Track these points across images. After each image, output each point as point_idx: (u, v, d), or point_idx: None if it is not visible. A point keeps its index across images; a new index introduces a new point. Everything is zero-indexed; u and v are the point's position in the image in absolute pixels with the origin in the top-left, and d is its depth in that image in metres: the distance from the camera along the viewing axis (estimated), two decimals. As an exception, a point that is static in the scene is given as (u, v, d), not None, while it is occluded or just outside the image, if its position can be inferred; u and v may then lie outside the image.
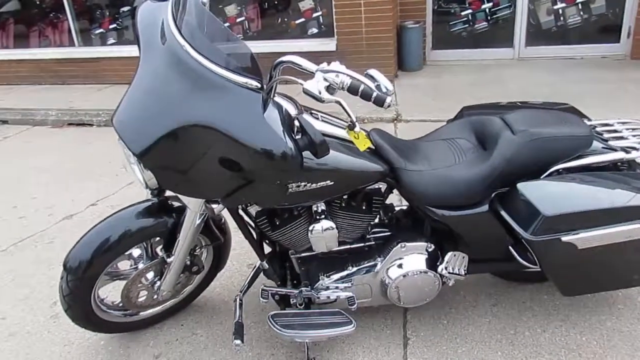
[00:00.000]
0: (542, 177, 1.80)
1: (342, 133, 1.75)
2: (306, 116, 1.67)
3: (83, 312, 1.89)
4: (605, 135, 1.95)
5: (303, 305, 1.99)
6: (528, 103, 2.26)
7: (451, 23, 6.19)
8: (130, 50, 6.41)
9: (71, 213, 3.27)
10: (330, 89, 1.44)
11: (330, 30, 5.79)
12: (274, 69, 1.58)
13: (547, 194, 1.69)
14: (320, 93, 1.44)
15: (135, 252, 1.99)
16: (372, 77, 1.49)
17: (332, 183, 1.68)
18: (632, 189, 1.68)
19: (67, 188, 3.68)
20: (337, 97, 1.43)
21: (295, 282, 2.03)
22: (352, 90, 1.42)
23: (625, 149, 1.87)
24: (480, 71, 5.74)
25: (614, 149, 1.87)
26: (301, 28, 6.16)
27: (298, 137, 1.48)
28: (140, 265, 1.94)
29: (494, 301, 2.22)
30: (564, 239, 1.66)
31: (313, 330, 1.87)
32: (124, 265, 2.02)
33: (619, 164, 1.90)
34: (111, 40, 6.79)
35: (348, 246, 1.95)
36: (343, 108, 1.44)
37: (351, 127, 1.47)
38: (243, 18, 6.39)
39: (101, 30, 6.79)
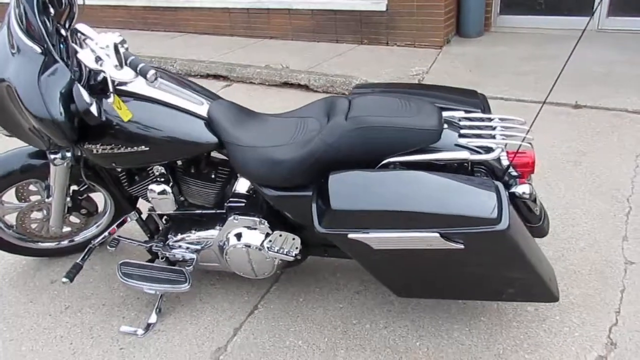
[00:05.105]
0: (375, 168, 1.70)
1: (180, 102, 1.81)
2: (136, 83, 1.73)
3: (-17, 234, 2.24)
4: (475, 132, 1.75)
5: (164, 259, 2.14)
6: (425, 85, 2.08)
7: (527, -15, 5.54)
8: (202, 1, 6.77)
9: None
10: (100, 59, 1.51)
11: (387, -12, 5.53)
12: (74, 35, 1.67)
13: (347, 187, 1.59)
14: (97, 62, 1.52)
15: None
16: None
17: (148, 149, 1.76)
18: (441, 195, 1.52)
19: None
20: (103, 68, 1.49)
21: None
22: (119, 60, 1.48)
23: (477, 149, 1.68)
24: (544, 43, 5.11)
25: (464, 148, 1.68)
26: (365, -16, 5.95)
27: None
28: (30, 201, 2.23)
29: (362, 288, 2.16)
30: (351, 236, 1.57)
31: (149, 282, 2.02)
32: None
33: (465, 164, 1.71)
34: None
35: (194, 210, 2.04)
36: (106, 79, 1.50)
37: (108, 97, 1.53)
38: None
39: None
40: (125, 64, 1.50)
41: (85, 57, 1.51)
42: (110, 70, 1.51)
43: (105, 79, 1.64)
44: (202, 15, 6.75)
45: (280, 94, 4.56)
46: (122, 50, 1.50)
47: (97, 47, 1.51)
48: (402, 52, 5.36)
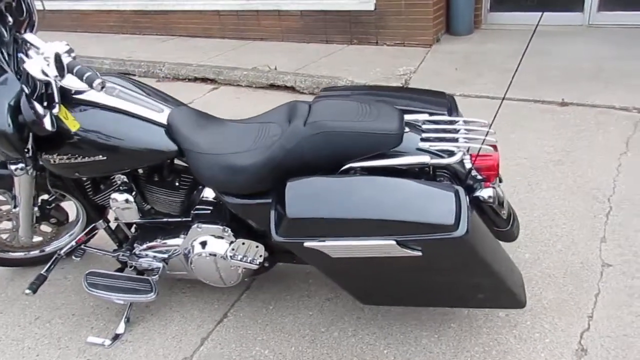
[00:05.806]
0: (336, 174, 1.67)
1: (138, 110, 1.78)
2: (93, 92, 1.70)
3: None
4: (438, 135, 1.70)
5: (133, 268, 2.11)
6: (392, 87, 2.04)
7: (517, -19, 5.48)
8: (193, 4, 6.75)
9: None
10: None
11: (376, -13, 5.49)
12: (23, 45, 1.64)
13: (303, 194, 1.55)
14: (44, 72, 1.49)
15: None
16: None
17: (106, 158, 1.74)
18: (397, 202, 1.48)
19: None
20: (50, 78, 1.47)
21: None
22: (60, 70, 1.45)
23: (438, 153, 1.64)
24: (534, 39, 5.03)
25: (425, 152, 1.65)
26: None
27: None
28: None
29: (332, 295, 2.12)
30: (307, 244, 1.53)
31: (115, 292, 1.99)
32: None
33: (426, 169, 1.67)
34: (185, -7, 7.18)
35: (160, 219, 2.01)
36: (53, 88, 1.47)
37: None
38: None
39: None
40: (72, 73, 1.47)
41: (31, 67, 1.48)
42: (57, 80, 1.48)
43: (60, 88, 1.62)
44: (193, 18, 6.73)
45: (267, 96, 4.53)
46: (67, 59, 1.48)
47: (41, 57, 1.49)
48: (392, 51, 5.32)
